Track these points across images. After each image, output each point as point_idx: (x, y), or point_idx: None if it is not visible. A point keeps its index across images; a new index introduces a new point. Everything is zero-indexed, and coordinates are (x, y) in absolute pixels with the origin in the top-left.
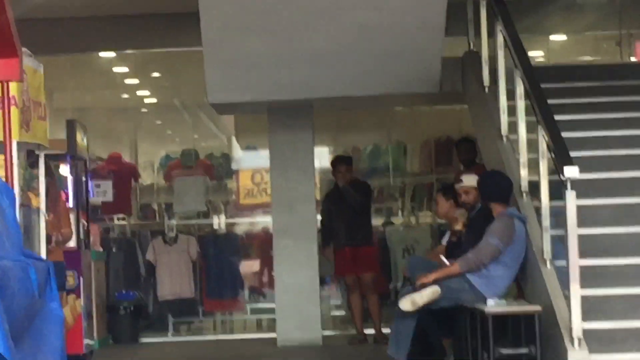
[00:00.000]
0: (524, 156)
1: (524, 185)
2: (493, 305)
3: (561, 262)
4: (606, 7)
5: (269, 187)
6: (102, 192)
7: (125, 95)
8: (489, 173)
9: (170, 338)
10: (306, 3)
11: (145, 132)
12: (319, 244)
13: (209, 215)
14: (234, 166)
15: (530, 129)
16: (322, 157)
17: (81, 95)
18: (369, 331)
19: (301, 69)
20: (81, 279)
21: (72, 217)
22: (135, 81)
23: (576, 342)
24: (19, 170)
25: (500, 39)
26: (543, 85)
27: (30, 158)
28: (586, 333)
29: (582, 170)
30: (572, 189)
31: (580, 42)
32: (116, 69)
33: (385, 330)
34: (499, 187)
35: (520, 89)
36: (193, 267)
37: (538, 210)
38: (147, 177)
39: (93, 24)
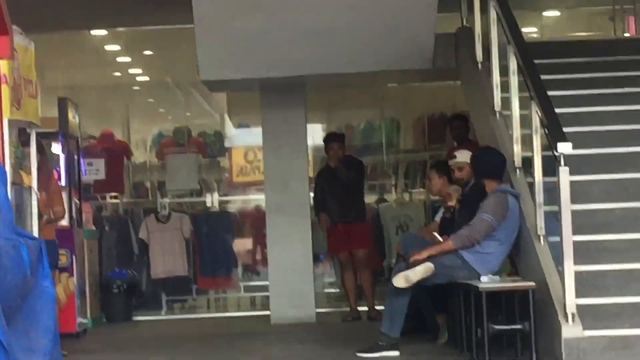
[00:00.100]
0: (517, 132)
1: (517, 161)
2: (487, 282)
3: (555, 238)
4: None
5: (262, 165)
6: (94, 170)
7: (117, 73)
8: (482, 149)
9: (163, 316)
10: None
11: (138, 110)
12: (313, 220)
13: (202, 193)
14: (226, 144)
15: (524, 104)
16: (315, 134)
17: (73, 74)
18: (363, 308)
19: (294, 46)
20: (74, 257)
21: (64, 195)
22: (127, 59)
23: (570, 317)
24: (11, 148)
25: (493, 14)
26: (536, 61)
27: (21, 136)
28: (580, 309)
29: (575, 146)
30: (565, 164)
31: (573, 18)
32: (108, 47)
33: (379, 307)
34: (492, 163)
35: (513, 65)
36: (186, 245)
37: (531, 186)
38: (140, 155)
39: (84, 1)
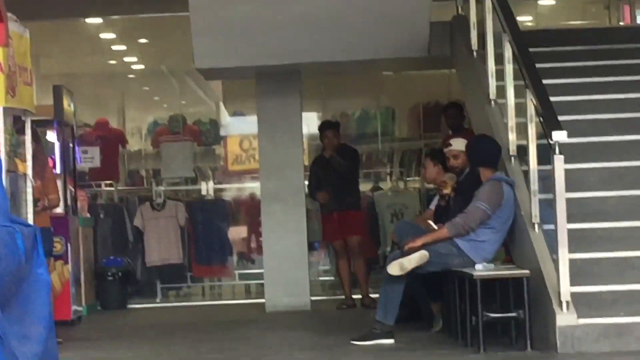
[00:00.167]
0: (512, 120)
1: (512, 149)
2: (481, 270)
3: (549, 226)
4: None
5: (257, 153)
6: (89, 158)
7: (112, 62)
8: (477, 137)
9: (158, 304)
10: None
11: (133, 98)
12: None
13: (197, 181)
14: (222, 132)
15: (519, 93)
16: (311, 122)
17: (68, 62)
18: (358, 296)
19: (289, 34)
20: (69, 245)
21: (59, 183)
22: (122, 47)
23: (564, 305)
24: (6, 136)
25: (488, 3)
26: (531, 50)
27: (16, 124)
28: (574, 297)
29: (570, 135)
30: (560, 153)
31: (568, 6)
32: (103, 35)
33: (374, 295)
34: (487, 151)
35: (508, 53)
36: (181, 233)
37: (526, 175)
38: (135, 143)
39: None
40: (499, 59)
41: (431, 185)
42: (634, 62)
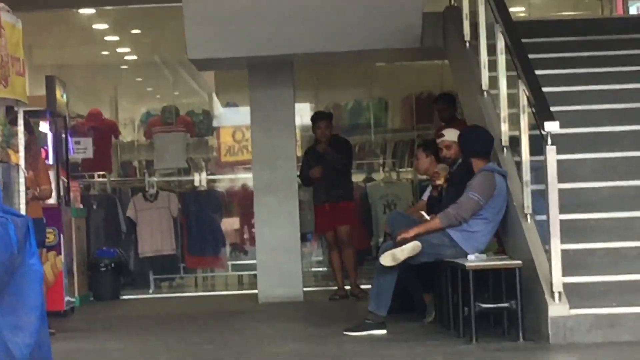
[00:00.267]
0: (504, 111)
1: (505, 140)
2: (473, 260)
3: (542, 217)
4: None
5: (250, 145)
6: (82, 149)
7: (105, 52)
8: (470, 128)
9: (151, 295)
10: None
11: (126, 89)
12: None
13: (189, 172)
14: (215, 123)
15: (511, 83)
16: (303, 113)
17: (61, 52)
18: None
19: (281, 24)
20: (62, 236)
21: (51, 174)
22: (115, 38)
23: (556, 296)
24: None
25: None
26: (524, 40)
27: (9, 114)
28: (566, 287)
29: (562, 125)
30: (552, 143)
31: None
32: (96, 26)
33: (364, 287)
34: (479, 142)
35: (501, 44)
36: (174, 223)
37: (519, 165)
38: (128, 134)
39: None
40: (492, 50)
41: (424, 176)
42: (626, 53)
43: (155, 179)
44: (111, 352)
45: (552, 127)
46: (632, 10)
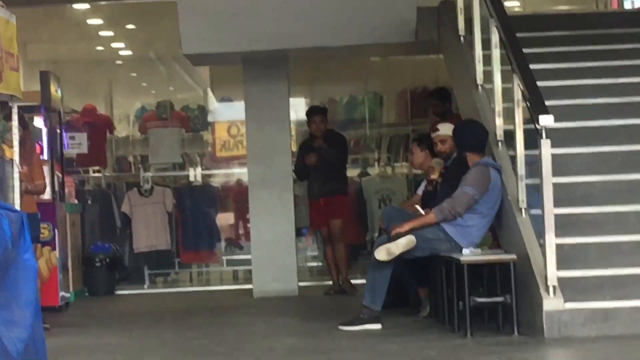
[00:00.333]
0: (499, 105)
1: (500, 134)
2: (468, 255)
3: (536, 211)
4: None
5: (245, 140)
6: (76, 144)
7: (100, 48)
8: (464, 122)
9: (146, 290)
10: None
11: (120, 84)
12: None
13: (184, 167)
14: (210, 118)
15: (506, 78)
16: (298, 108)
17: (55, 48)
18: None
19: (276, 19)
20: (56, 231)
21: (46, 169)
22: (109, 33)
23: (551, 290)
24: None
25: None
26: (519, 35)
27: (3, 110)
28: (561, 281)
29: (557, 119)
30: (547, 137)
31: None
32: (90, 21)
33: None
34: (474, 136)
35: (495, 38)
36: (169, 219)
37: (513, 159)
38: (123, 130)
39: None
40: (486, 44)
41: (419, 171)
42: (620, 47)
43: (150, 174)
44: (106, 348)
45: (546, 121)
46: (627, 5)
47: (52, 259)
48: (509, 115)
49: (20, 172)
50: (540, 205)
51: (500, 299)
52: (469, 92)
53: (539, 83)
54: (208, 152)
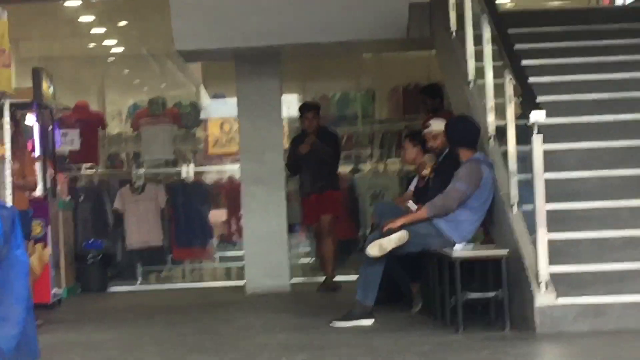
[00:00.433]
0: (491, 101)
1: (491, 130)
2: (460, 250)
3: (528, 207)
4: None
5: (237, 137)
6: (69, 140)
7: (92, 44)
8: (456, 118)
9: (138, 287)
10: None
11: (113, 81)
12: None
13: (177, 164)
14: (202, 115)
15: (498, 74)
16: (291, 105)
17: (48, 45)
18: (338, 278)
19: (268, 15)
20: (49, 228)
21: (38, 166)
22: (102, 30)
23: (543, 285)
24: None
25: None
26: (510, 31)
27: None
28: (553, 277)
29: (549, 115)
30: (538, 133)
31: None
32: (82, 18)
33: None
34: (466, 132)
35: (487, 34)
36: (161, 215)
37: (505, 155)
38: (115, 126)
39: None
40: (478, 40)
41: (411, 167)
42: (612, 43)
43: (143, 170)
44: (99, 344)
45: (538, 116)
46: (619, 1)
47: (44, 256)
48: (500, 111)
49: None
50: (532, 201)
51: (492, 294)
52: (461, 88)
53: (531, 79)
54: (200, 148)
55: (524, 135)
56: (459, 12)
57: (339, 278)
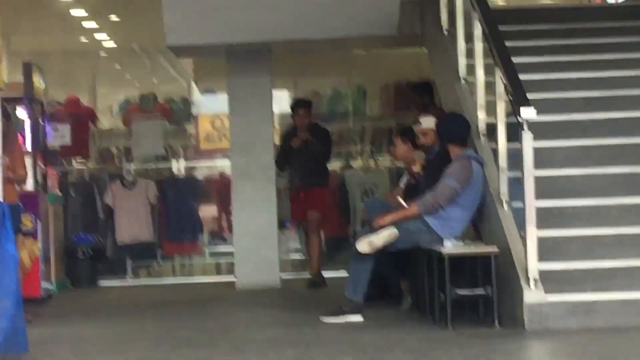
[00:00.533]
0: (481, 98)
1: (482, 127)
2: (450, 247)
3: (518, 204)
4: None
5: (228, 133)
6: (60, 135)
7: (84, 39)
8: (447, 115)
9: (129, 282)
10: None
11: (104, 76)
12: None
13: (168, 159)
14: (194, 111)
15: (489, 71)
16: (283, 101)
17: (39, 39)
18: (327, 275)
19: (259, 11)
20: (39, 222)
21: (29, 160)
22: (93, 25)
23: (532, 282)
24: None
25: None
26: (501, 28)
27: None
28: (542, 274)
29: (539, 112)
30: (528, 130)
31: None
32: (74, 12)
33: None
34: (457, 129)
35: (478, 32)
36: (152, 211)
37: (495, 152)
38: (106, 121)
39: None
40: (469, 38)
41: (402, 164)
42: (603, 41)
43: (133, 166)
44: (88, 338)
45: (528, 114)
46: None
47: (34, 250)
48: (491, 108)
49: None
50: (522, 198)
51: (481, 291)
52: (451, 85)
53: (521, 76)
54: (192, 144)
55: (514, 132)
56: (450, 9)
57: (328, 274)
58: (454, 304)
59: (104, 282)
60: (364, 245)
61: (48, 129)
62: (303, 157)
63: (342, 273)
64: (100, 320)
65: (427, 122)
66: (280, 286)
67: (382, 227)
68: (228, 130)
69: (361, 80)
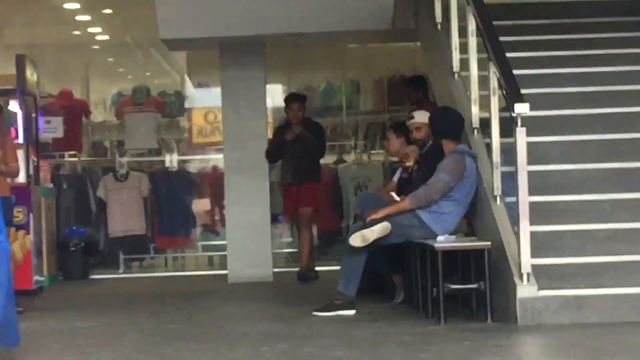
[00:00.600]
0: (475, 93)
1: (475, 122)
2: (443, 241)
3: (511, 199)
4: None
5: (221, 126)
6: (52, 128)
7: (77, 32)
8: (440, 109)
9: (121, 275)
10: None
11: (97, 69)
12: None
13: (160, 153)
14: (187, 104)
15: (482, 66)
16: (275, 95)
17: (32, 32)
18: (320, 268)
19: (253, 5)
20: (31, 215)
21: (21, 153)
22: (86, 17)
23: (525, 277)
24: None
25: None
26: (495, 23)
27: None
28: (535, 269)
29: (533, 107)
30: (522, 125)
31: None
32: (67, 5)
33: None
34: (450, 123)
35: (472, 26)
36: (144, 204)
37: (489, 147)
38: (99, 114)
39: None
40: (463, 32)
41: (395, 158)
42: (597, 36)
43: (126, 159)
44: (80, 331)
45: (522, 109)
46: None
47: (26, 243)
48: (485, 103)
49: None
50: (515, 193)
51: (474, 285)
52: (445, 80)
53: (515, 71)
54: (185, 137)
55: (508, 127)
56: (444, 3)
57: (321, 268)
58: (447, 299)
59: (96, 275)
60: (356, 240)
61: (40, 121)
62: (296, 152)
63: (335, 267)
64: (92, 313)
65: (420, 116)
66: (273, 280)
67: (374, 221)
68: (221, 124)
69: (355, 75)
